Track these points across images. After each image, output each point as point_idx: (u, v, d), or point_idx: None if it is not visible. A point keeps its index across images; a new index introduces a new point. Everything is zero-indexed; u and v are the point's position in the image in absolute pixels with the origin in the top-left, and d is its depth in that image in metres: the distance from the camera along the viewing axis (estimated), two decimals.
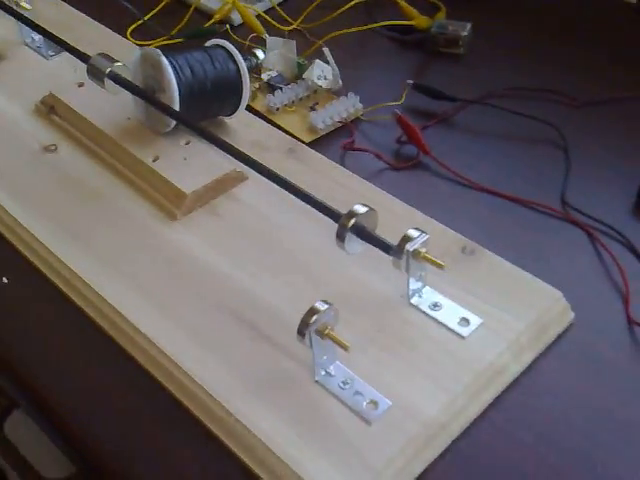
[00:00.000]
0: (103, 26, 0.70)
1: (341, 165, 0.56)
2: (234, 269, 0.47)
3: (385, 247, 0.39)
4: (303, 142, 0.58)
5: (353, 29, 0.68)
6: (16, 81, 0.64)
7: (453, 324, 0.43)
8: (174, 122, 0.53)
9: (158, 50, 0.51)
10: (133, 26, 0.72)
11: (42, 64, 0.66)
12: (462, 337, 0.42)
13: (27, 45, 0.68)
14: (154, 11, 0.74)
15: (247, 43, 0.65)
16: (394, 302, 0.45)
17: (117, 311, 0.45)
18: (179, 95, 0.51)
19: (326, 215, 0.39)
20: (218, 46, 0.55)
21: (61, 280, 0.48)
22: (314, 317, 0.38)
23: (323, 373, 0.41)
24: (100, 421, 0.42)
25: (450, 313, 0.44)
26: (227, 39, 0.57)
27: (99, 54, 0.51)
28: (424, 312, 0.44)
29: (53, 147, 0.56)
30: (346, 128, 0.60)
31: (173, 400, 0.42)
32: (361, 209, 0.37)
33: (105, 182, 0.54)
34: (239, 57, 0.55)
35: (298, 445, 0.38)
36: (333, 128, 0.60)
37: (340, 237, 0.38)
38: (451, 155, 0.57)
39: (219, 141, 0.48)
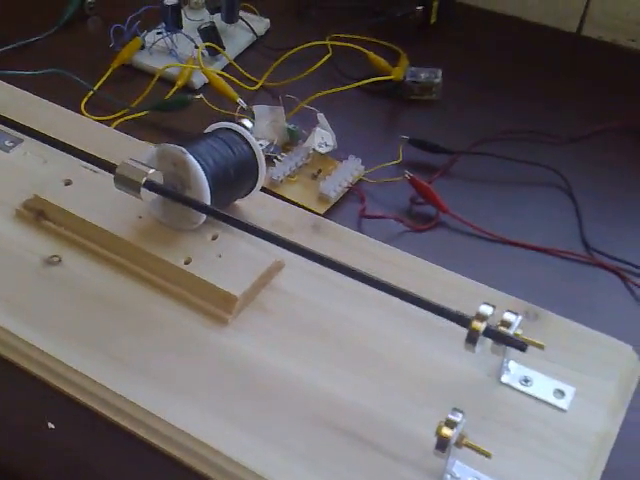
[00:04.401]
0: (57, 105, 0.64)
1: (359, 232, 0.55)
2: (306, 370, 0.45)
3: (519, 344, 0.38)
4: (318, 214, 0.57)
5: (335, 89, 0.66)
6: None
7: (550, 397, 0.43)
8: (203, 219, 0.49)
9: (181, 147, 0.47)
10: (85, 99, 0.67)
11: (1, 157, 0.59)
12: (563, 410, 0.43)
13: None
14: (101, 80, 0.68)
15: (236, 114, 0.62)
16: (483, 383, 0.44)
17: (194, 438, 0.42)
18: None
19: (448, 319, 0.38)
20: (228, 130, 0.52)
21: (108, 409, 0.44)
22: (453, 430, 0.37)
23: (449, 477, 0.40)
24: None
25: (542, 386, 0.44)
26: (206, 110, 0.54)
27: (126, 161, 0.47)
28: (517, 389, 0.44)
29: (56, 258, 0.51)
30: (352, 192, 0.59)
31: None
32: (488, 310, 0.37)
33: (131, 292, 0.49)
34: (252, 139, 0.52)
35: None
36: (342, 194, 0.59)
37: (472, 341, 0.37)
38: (465, 209, 0.58)
39: (264, 233, 0.45)
